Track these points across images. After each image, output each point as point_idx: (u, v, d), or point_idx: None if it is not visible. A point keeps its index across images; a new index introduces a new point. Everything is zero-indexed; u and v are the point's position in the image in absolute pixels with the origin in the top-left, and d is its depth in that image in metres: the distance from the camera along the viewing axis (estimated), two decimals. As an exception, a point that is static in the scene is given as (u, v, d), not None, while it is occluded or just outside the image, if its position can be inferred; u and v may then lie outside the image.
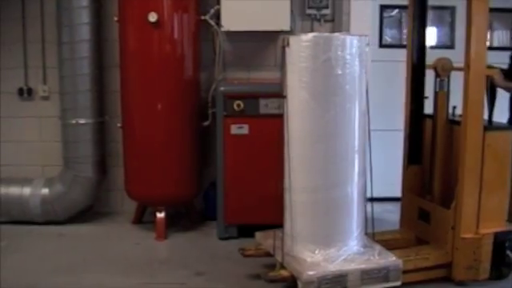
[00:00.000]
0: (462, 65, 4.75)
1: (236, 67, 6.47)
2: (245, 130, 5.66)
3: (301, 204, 4.56)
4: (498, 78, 5.08)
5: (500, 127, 4.99)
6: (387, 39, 7.10)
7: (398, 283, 4.44)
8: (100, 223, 6.44)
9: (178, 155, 5.92)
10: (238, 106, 5.55)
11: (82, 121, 6.16)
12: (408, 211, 5.39)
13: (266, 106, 5.62)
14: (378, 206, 6.40)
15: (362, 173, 4.61)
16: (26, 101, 6.63)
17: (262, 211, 5.53)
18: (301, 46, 4.45)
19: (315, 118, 4.47)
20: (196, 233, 6.04)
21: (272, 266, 4.74)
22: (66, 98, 6.22)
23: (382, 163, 6.46)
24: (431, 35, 6.83)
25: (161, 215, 5.94)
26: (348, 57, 4.42)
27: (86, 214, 6.48)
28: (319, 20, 6.49)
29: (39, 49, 6.55)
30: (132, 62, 5.91)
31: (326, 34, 4.68)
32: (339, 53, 4.40)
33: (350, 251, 4.52)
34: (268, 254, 4.81)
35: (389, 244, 4.85)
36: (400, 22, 7.10)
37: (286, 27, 6.10)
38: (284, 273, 4.44)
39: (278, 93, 5.18)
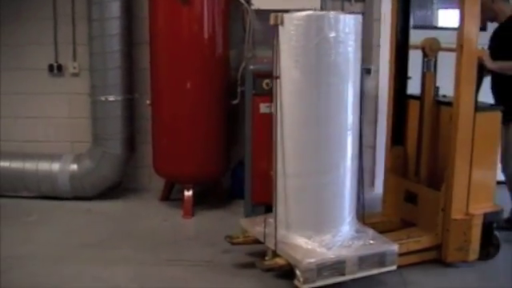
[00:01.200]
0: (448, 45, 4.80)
1: (265, 46, 6.43)
2: (274, 108, 5.64)
3: (294, 189, 4.46)
4: (488, 59, 4.98)
5: (489, 108, 4.93)
6: (417, 20, 7.03)
7: (394, 267, 4.37)
8: (128, 200, 6.48)
9: (207, 133, 5.92)
10: (267, 84, 5.51)
11: (111, 98, 6.19)
12: (392, 193, 5.31)
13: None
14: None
15: (356, 156, 4.50)
16: (55, 77, 6.67)
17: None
18: (294, 24, 4.28)
19: (309, 99, 4.34)
20: (223, 211, 6.06)
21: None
22: (96, 75, 6.24)
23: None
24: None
25: (188, 193, 5.95)
26: (343, 36, 4.27)
27: (114, 190, 6.52)
28: (350, 0, 6.43)
29: (69, 26, 6.56)
30: (162, 40, 5.91)
31: (321, 12, 4.51)
32: (334, 32, 4.25)
33: (345, 237, 4.42)
34: (257, 242, 4.70)
35: (376, 227, 4.74)
36: (432, 2, 7.02)
37: (317, 6, 6.05)
38: (280, 261, 4.32)
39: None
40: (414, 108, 5.18)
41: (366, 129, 5.98)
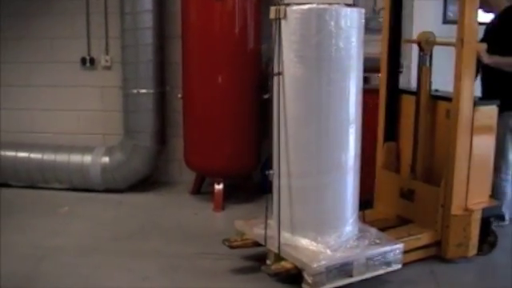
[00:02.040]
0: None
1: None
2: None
3: (296, 189, 4.30)
4: (484, 53, 4.90)
5: (487, 102, 4.83)
6: (450, 15, 6.96)
7: (399, 266, 4.29)
8: (159, 193, 6.51)
9: (238, 127, 5.92)
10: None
11: (143, 91, 6.21)
12: (386, 190, 5.20)
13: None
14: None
15: (358, 154, 4.38)
16: (88, 70, 6.72)
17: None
18: (295, 17, 4.12)
19: (313, 96, 4.19)
20: (253, 205, 6.03)
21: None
22: (128, 68, 6.27)
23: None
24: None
25: (219, 186, 5.96)
26: (346, 29, 4.12)
27: (145, 183, 6.55)
28: (380, -6, 6.38)
29: (102, 19, 6.61)
30: (193, 33, 5.92)
31: (324, 6, 4.14)
32: (337, 25, 4.09)
33: (349, 237, 4.32)
34: (256, 245, 4.56)
35: (374, 225, 4.64)
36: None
37: (349, 1, 6.00)
38: (286, 265, 4.16)
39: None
40: (407, 103, 5.09)
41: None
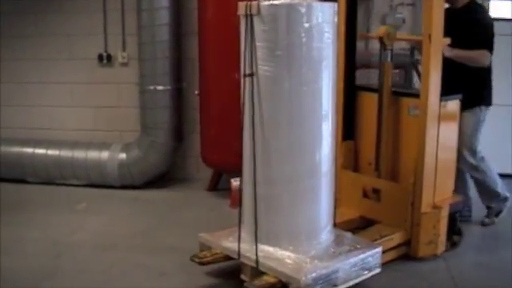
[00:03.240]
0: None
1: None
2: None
3: (270, 197, 4.00)
4: (446, 47, 4.68)
5: (450, 97, 4.68)
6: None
7: (379, 270, 4.09)
8: (175, 189, 6.51)
9: (254, 123, 5.87)
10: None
11: (159, 87, 6.22)
12: (348, 190, 4.96)
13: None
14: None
15: (333, 158, 4.15)
16: (105, 67, 6.74)
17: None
18: (270, 14, 3.83)
19: (285, 98, 3.91)
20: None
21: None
22: (145, 65, 6.28)
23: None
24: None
25: (236, 183, 5.94)
26: (320, 25, 3.87)
27: (162, 179, 6.57)
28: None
29: (119, 16, 6.63)
30: (210, 30, 5.93)
31: (294, 1, 3.86)
32: (311, 21, 3.84)
33: (328, 244, 4.10)
34: (228, 259, 4.21)
35: (339, 227, 4.40)
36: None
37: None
38: (269, 279, 3.81)
39: (358, 62, 5.14)
40: (366, 100, 4.95)
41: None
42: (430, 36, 4.37)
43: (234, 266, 4.19)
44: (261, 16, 3.83)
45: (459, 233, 4.90)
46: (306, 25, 3.83)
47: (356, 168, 5.09)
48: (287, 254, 3.94)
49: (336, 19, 4.05)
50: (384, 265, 4.20)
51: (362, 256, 4.00)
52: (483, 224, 5.28)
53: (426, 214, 4.54)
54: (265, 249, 3.96)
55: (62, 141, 6.63)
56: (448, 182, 4.79)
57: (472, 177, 5.28)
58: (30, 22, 6.76)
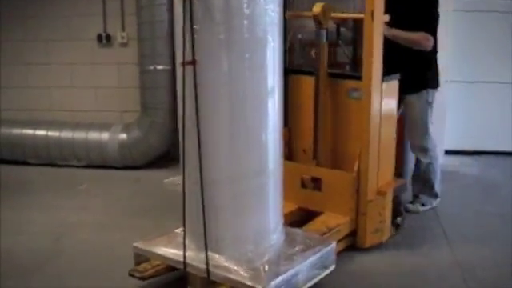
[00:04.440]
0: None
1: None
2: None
3: (216, 198, 3.55)
4: (384, 26, 4.35)
5: (390, 77, 4.42)
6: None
7: (334, 267, 3.87)
8: (176, 169, 6.43)
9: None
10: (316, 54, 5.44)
11: (159, 67, 6.19)
12: (283, 180, 4.18)
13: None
14: (455, 159, 6.36)
15: (280, 153, 3.79)
16: (104, 47, 6.71)
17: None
18: None
19: (229, 86, 3.46)
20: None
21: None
22: (144, 45, 6.25)
23: (461, 115, 6.42)
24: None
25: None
26: (267, 4, 3.45)
27: (163, 159, 6.55)
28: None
29: (118, -5, 6.60)
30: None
31: None
32: (262, 4, 3.43)
33: (280, 244, 3.81)
34: (172, 269, 3.86)
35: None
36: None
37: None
38: None
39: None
40: (300, 84, 4.64)
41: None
42: (372, 13, 4.09)
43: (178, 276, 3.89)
44: None
45: (401, 214, 4.78)
46: (249, 4, 3.38)
47: (290, 156, 4.77)
48: (239, 260, 3.56)
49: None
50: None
51: (318, 254, 3.74)
52: (406, 210, 5.04)
53: (372, 201, 4.36)
54: (212, 256, 3.53)
55: (63, 122, 6.62)
56: (389, 166, 4.62)
57: (416, 164, 5.19)
58: (28, 3, 6.71)
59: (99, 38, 6.65)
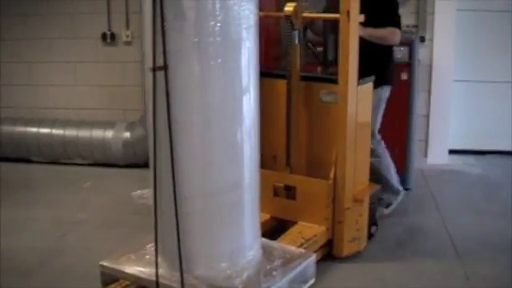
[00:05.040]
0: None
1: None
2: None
3: (192, 213, 3.32)
4: (359, 26, 4.15)
5: (365, 80, 4.26)
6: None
7: (314, 280, 3.77)
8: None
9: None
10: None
11: (163, 65, 6.18)
12: None
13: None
14: (458, 159, 6.36)
15: (256, 165, 3.55)
16: (109, 46, 6.71)
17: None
18: None
19: (210, 94, 3.22)
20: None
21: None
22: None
23: (465, 115, 6.41)
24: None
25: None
26: (243, 5, 3.21)
27: (167, 158, 6.54)
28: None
29: (123, -6, 6.60)
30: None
31: None
32: (237, 5, 3.18)
33: (258, 259, 3.62)
34: None
35: None
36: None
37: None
38: None
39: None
40: (270, 88, 4.21)
41: (420, 98, 5.91)
42: (348, 13, 3.91)
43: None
44: None
45: (376, 223, 4.66)
46: (223, 6, 3.14)
47: (267, 164, 4.37)
48: (216, 279, 3.38)
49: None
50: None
51: (298, 269, 3.62)
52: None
53: (349, 209, 4.18)
54: (187, 275, 3.31)
55: (67, 120, 6.63)
56: (365, 171, 4.46)
57: None
58: (32, 1, 6.72)
59: (104, 36, 6.65)
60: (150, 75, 3.10)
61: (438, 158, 6.36)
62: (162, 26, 3.01)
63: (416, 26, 6.01)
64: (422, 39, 6.01)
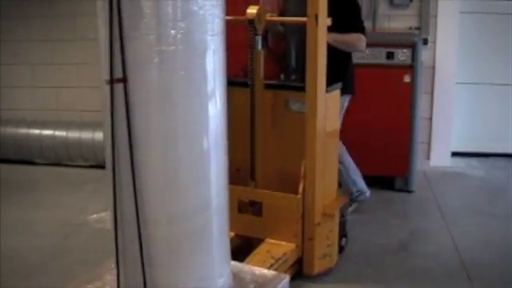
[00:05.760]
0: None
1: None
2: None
3: (154, 241, 2.87)
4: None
5: (334, 87, 4.03)
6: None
7: None
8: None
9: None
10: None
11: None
12: None
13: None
14: (461, 161, 6.35)
15: (224, 186, 3.11)
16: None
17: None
18: (156, 2, 2.67)
19: (174, 108, 2.79)
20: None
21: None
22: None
23: (468, 117, 6.41)
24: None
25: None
26: (214, 13, 2.83)
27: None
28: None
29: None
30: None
31: None
32: (202, 10, 2.77)
33: (231, 286, 3.28)
34: None
35: None
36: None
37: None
38: None
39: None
40: (231, 97, 3.33)
41: (423, 100, 5.90)
42: (316, 16, 3.65)
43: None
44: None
45: (346, 235, 4.45)
46: (187, 11, 2.73)
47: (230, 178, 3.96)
48: None
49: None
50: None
51: None
52: None
53: (320, 225, 3.92)
54: None
55: (69, 122, 6.63)
56: (334, 182, 4.18)
57: None
58: (36, 3, 6.73)
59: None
60: (106, 88, 2.71)
61: (440, 160, 6.36)
62: (121, 34, 2.64)
63: (419, 28, 6.00)
64: (425, 41, 6.00)
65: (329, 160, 4.00)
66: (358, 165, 5.00)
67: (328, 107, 3.89)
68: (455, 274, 4.18)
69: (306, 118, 3.82)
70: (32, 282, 4.07)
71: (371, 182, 5.36)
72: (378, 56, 5.40)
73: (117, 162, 2.80)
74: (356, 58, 4.89)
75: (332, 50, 4.02)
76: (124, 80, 2.66)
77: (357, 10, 4.57)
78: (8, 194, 5.59)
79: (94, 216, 5.12)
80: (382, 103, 5.48)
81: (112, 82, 2.68)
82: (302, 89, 3.84)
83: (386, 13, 6.11)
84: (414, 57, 5.40)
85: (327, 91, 3.87)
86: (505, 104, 6.48)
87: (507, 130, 6.51)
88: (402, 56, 5.35)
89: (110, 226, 2.95)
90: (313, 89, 3.76)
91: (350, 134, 5.38)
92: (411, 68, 5.40)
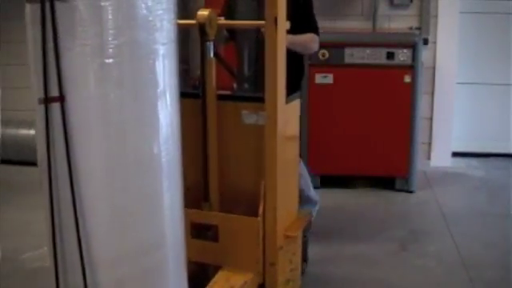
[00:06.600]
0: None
1: (322, 16, 6.40)
2: (329, 79, 5.56)
3: (107, 285, 2.50)
4: None
5: (294, 97, 3.67)
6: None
7: None
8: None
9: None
10: (323, 55, 5.47)
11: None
12: None
13: (352, 56, 5.49)
14: (461, 161, 6.36)
15: (182, 216, 2.76)
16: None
17: (345, 162, 5.51)
18: (95, 6, 2.26)
19: (119, 131, 2.38)
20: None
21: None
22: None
23: (468, 117, 6.42)
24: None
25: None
26: (164, 18, 2.44)
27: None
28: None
29: None
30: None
31: None
32: (149, 8, 2.36)
33: None
34: None
35: None
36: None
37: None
38: None
39: (366, 42, 5.09)
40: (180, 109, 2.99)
41: (423, 100, 5.90)
42: (275, 19, 3.27)
43: None
44: (90, 8, 2.28)
45: (306, 258, 4.22)
46: (133, 15, 2.34)
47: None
48: None
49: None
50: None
51: None
52: None
53: (282, 248, 3.53)
54: None
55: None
56: (295, 200, 3.82)
57: None
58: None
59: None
60: (40, 109, 2.31)
61: (441, 160, 6.37)
62: (56, 47, 2.25)
63: (419, 29, 6.01)
64: (426, 41, 6.00)
65: (289, 177, 3.64)
66: (358, 165, 5.01)
67: (288, 120, 3.54)
68: (455, 273, 4.19)
69: (264, 132, 3.41)
70: (32, 283, 4.09)
71: (371, 182, 5.36)
72: (379, 56, 5.41)
73: (55, 197, 2.51)
74: (356, 59, 4.91)
75: (288, 54, 3.52)
76: (61, 99, 2.26)
77: (310, 6, 4.21)
78: (9, 194, 5.58)
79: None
80: (383, 103, 5.49)
81: (47, 101, 2.27)
82: (259, 99, 3.44)
83: (387, 13, 6.13)
84: (414, 57, 5.41)
85: (287, 102, 3.49)
86: (505, 104, 6.49)
87: (507, 130, 6.51)
88: (403, 56, 5.36)
89: (48, 263, 2.64)
90: (272, 99, 3.35)
91: (350, 134, 5.43)
92: (411, 68, 5.41)
